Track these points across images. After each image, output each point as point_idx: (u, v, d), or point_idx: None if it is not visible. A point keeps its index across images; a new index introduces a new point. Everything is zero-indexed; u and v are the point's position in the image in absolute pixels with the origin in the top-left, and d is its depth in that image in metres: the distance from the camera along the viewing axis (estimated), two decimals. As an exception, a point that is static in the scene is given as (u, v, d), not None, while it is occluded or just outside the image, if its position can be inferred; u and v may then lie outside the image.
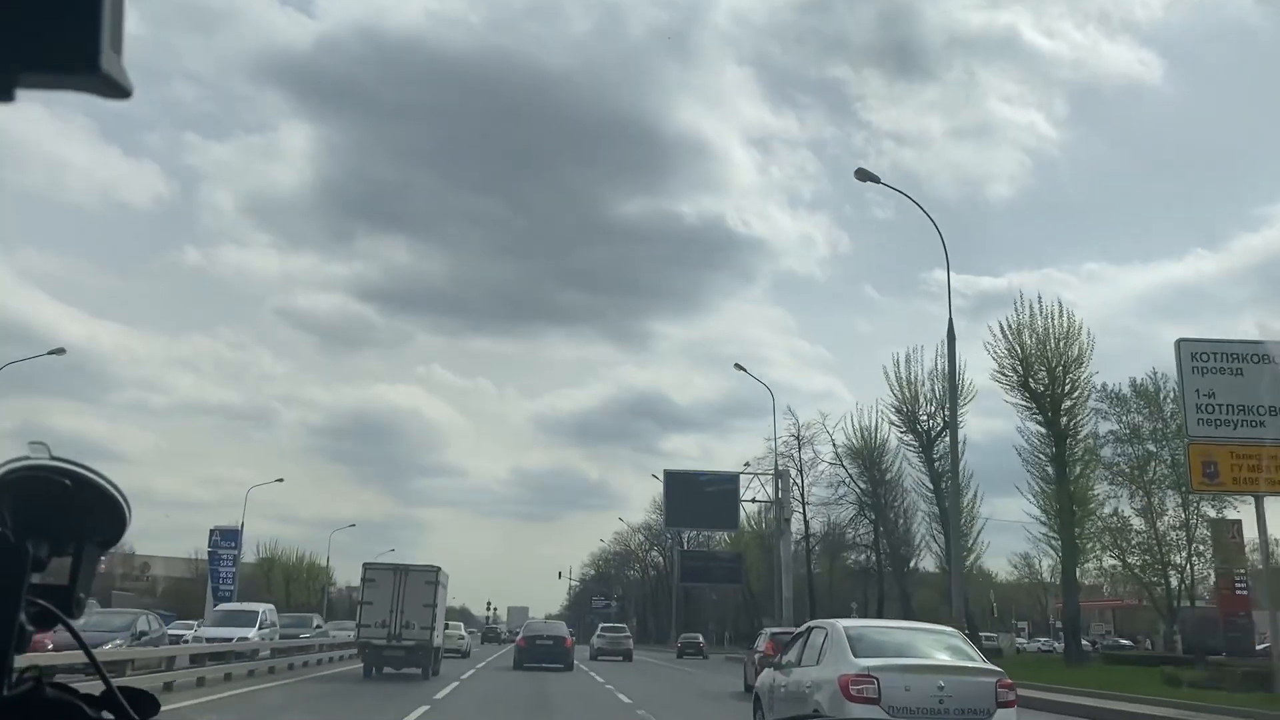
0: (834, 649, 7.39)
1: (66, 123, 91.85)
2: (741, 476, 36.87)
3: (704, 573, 54.35)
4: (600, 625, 41.89)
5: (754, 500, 35.50)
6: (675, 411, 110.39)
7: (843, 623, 8.44)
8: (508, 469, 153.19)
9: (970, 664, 7.40)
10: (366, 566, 18.68)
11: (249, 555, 66.03)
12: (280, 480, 48.67)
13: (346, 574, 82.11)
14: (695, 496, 35.67)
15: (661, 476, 36.85)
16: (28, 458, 0.84)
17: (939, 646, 7.82)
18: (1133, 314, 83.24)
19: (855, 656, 7.04)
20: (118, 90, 0.58)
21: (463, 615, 71.56)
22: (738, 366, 33.72)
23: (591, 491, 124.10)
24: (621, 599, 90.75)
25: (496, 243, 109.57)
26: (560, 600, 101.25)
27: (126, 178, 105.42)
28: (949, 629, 9.03)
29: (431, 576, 18.32)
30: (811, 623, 9.53)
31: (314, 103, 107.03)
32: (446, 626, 22.00)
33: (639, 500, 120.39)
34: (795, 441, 39.48)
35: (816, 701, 7.03)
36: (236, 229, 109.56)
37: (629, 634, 35.99)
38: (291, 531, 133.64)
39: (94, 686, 0.90)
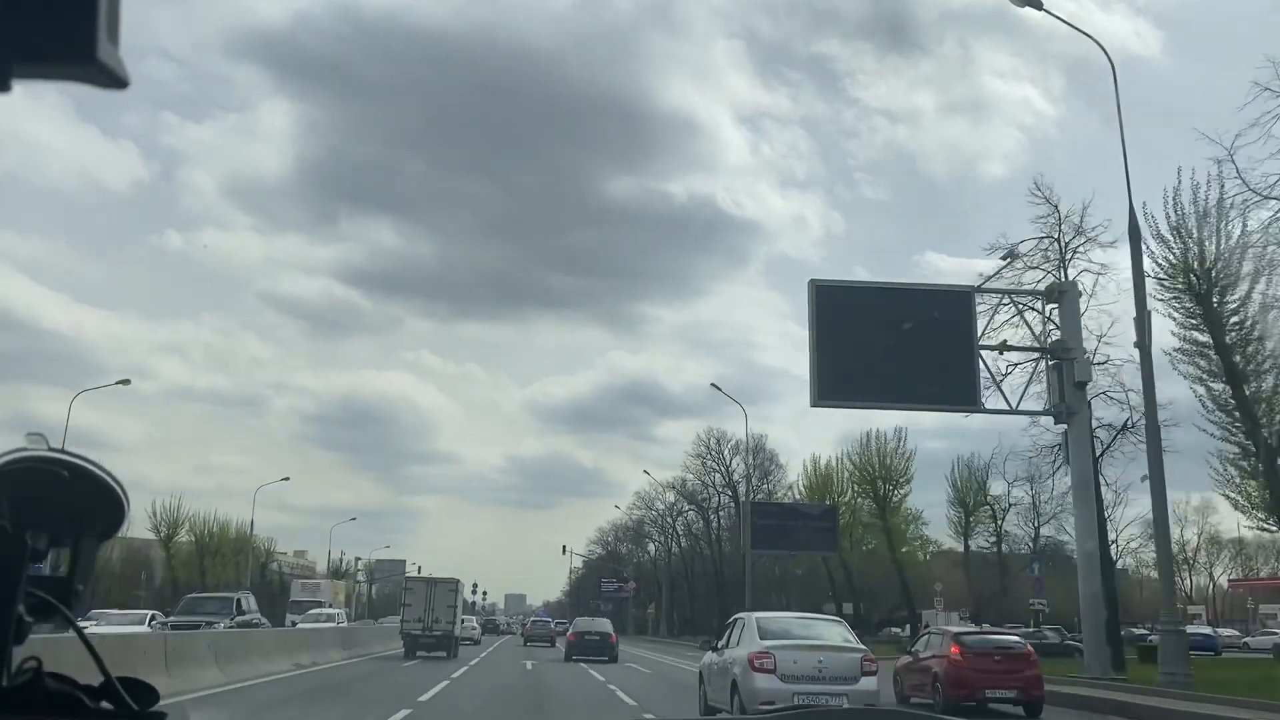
0: (747, 634, 12.57)
1: (42, 103, 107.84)
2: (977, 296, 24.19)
3: (782, 534, 47.98)
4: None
5: (1005, 347, 23.77)
6: (668, 398, 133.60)
7: (756, 614, 14.17)
8: (502, 456, 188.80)
9: (844, 644, 12.57)
10: (406, 578, 36.34)
11: (140, 529, 62.43)
12: (125, 381, 52.00)
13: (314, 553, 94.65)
14: (880, 337, 22.74)
15: (809, 292, 23.14)
16: (26, 449, 1.11)
17: (827, 632, 13.23)
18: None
19: (760, 639, 12.09)
20: (114, 80, 0.79)
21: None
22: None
23: (587, 479, 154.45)
24: (639, 580, 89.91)
25: (485, 224, 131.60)
26: (561, 585, 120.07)
27: (105, 159, 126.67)
28: (839, 619, 15.45)
29: (453, 585, 32.81)
30: (737, 615, 14.90)
31: (293, 80, 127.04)
32: (463, 622, 36.26)
33: (637, 486, 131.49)
34: (1055, 245, 27.53)
35: (734, 673, 12.04)
36: (218, 211, 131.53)
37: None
38: (288, 521, 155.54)
39: (93, 677, 1.14)
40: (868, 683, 12.30)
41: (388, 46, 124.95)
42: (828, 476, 61.78)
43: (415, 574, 47.50)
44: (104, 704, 1.13)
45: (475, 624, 51.35)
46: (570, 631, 36.33)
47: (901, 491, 58.01)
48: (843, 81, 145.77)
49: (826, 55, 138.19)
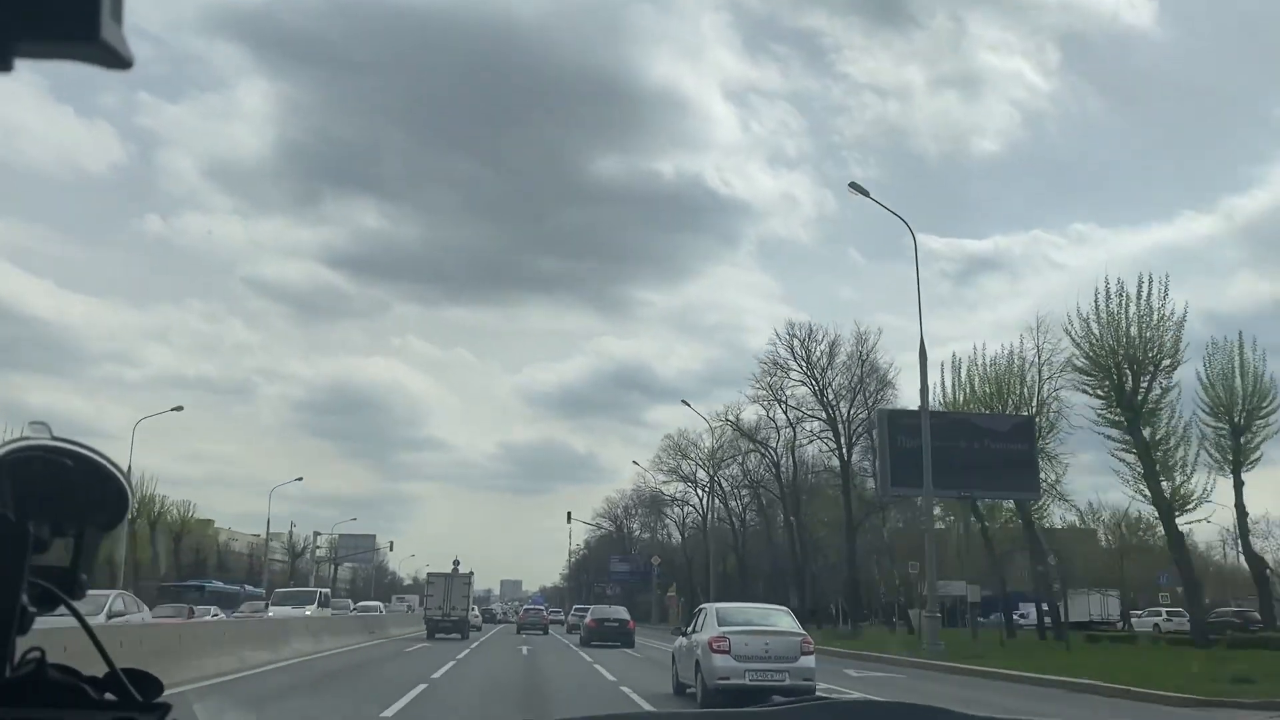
0: (709, 621, 17.93)
1: (18, 83, 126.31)
2: None
3: (950, 465, 36.32)
4: (574, 607, 68.66)
5: None
6: (659, 382, 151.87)
7: (717, 605, 20.02)
8: (494, 443, 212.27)
9: (788, 629, 17.84)
10: (429, 574, 52.74)
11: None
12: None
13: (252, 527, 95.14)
14: None
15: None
16: (29, 438, 1.30)
17: (775, 619, 18.66)
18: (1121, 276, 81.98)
19: (719, 625, 17.43)
20: (118, 60, 0.96)
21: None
22: None
23: (580, 464, 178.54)
24: (659, 556, 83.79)
25: (471, 205, 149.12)
26: (559, 568, 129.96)
27: (82, 141, 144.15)
28: (784, 608, 21.14)
29: (467, 579, 49.43)
30: (701, 605, 20.51)
31: (271, 59, 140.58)
32: (473, 610, 51.13)
33: (628, 472, 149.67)
34: None
35: (697, 654, 17.27)
36: (199, 194, 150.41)
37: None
38: (277, 508, 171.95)
39: (98, 668, 1.34)
40: (806, 661, 17.25)
41: (369, 22, 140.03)
42: (996, 382, 45.16)
43: (434, 569, 60.13)
44: (108, 695, 1.35)
45: (478, 612, 65.50)
46: (589, 618, 45.42)
47: (1163, 383, 39.92)
48: (830, 56, 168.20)
49: (814, 29, 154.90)
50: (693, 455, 77.12)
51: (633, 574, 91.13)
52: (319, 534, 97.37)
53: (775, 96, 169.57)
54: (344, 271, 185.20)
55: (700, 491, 79.78)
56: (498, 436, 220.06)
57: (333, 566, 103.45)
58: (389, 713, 15.85)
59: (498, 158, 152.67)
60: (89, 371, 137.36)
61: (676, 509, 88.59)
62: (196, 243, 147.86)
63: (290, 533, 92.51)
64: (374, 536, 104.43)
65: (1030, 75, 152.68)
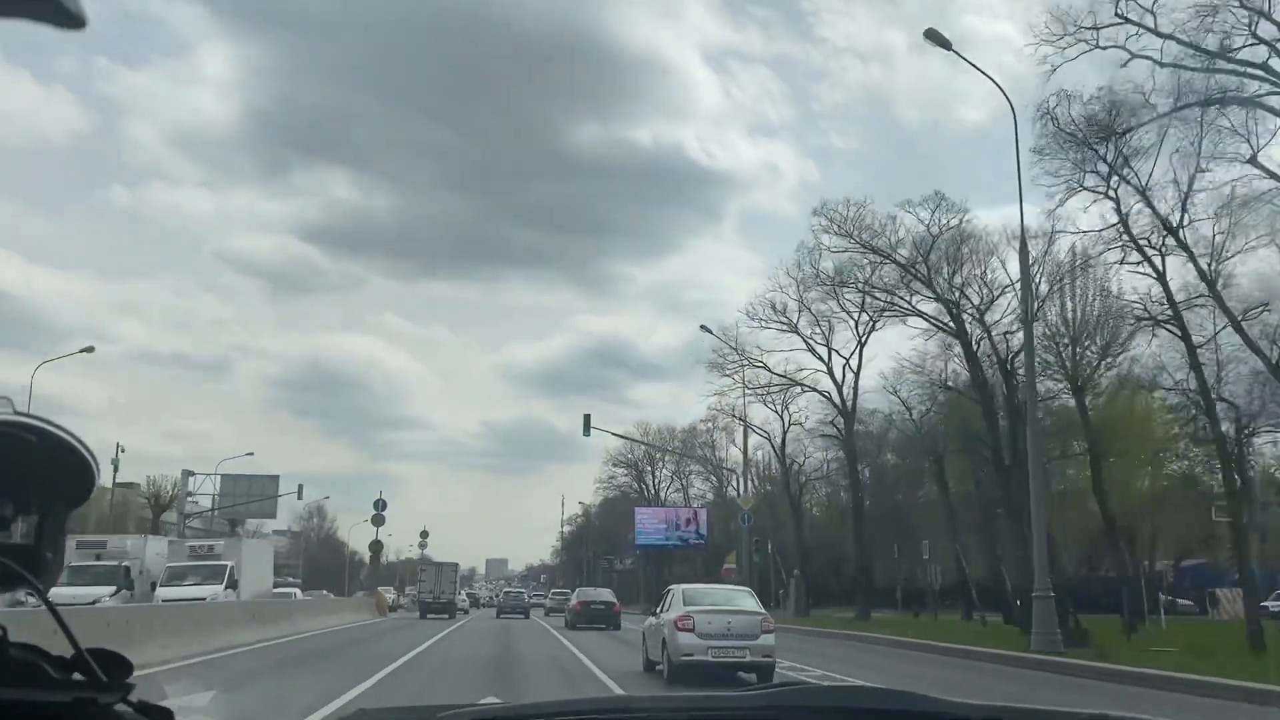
0: (676, 601, 19.27)
1: None
2: None
3: None
4: (552, 590, 72.89)
5: None
6: (641, 360, 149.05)
7: (683, 586, 21.15)
8: (476, 421, 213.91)
9: (749, 609, 19.11)
10: (421, 563, 68.00)
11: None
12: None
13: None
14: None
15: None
16: None
17: (737, 599, 20.10)
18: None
19: (684, 605, 18.78)
20: (69, 19, 0.95)
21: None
22: None
23: (563, 443, 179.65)
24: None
25: (447, 175, 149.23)
26: (550, 542, 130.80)
27: (41, 109, 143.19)
28: (746, 588, 23.62)
29: (454, 567, 60.89)
30: (669, 587, 21.93)
31: (233, 20, 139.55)
32: (460, 594, 61.60)
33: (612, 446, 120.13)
34: None
35: (664, 633, 18.60)
36: (164, 164, 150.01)
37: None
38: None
39: (64, 648, 1.32)
40: (766, 639, 18.53)
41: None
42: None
43: (428, 558, 72.61)
44: (75, 675, 1.33)
45: (464, 595, 72.47)
46: (575, 600, 47.45)
47: None
48: (809, 19, 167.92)
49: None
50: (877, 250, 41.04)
51: (669, 536, 70.18)
52: (191, 474, 71.43)
53: (756, 61, 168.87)
54: (318, 245, 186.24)
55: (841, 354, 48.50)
56: (479, 415, 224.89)
57: (221, 521, 76.01)
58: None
59: (472, 125, 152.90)
60: (61, 347, 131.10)
61: (772, 408, 57.15)
62: (164, 214, 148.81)
63: (116, 452, 66.21)
64: (277, 478, 72.91)
65: (1017, 41, 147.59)
